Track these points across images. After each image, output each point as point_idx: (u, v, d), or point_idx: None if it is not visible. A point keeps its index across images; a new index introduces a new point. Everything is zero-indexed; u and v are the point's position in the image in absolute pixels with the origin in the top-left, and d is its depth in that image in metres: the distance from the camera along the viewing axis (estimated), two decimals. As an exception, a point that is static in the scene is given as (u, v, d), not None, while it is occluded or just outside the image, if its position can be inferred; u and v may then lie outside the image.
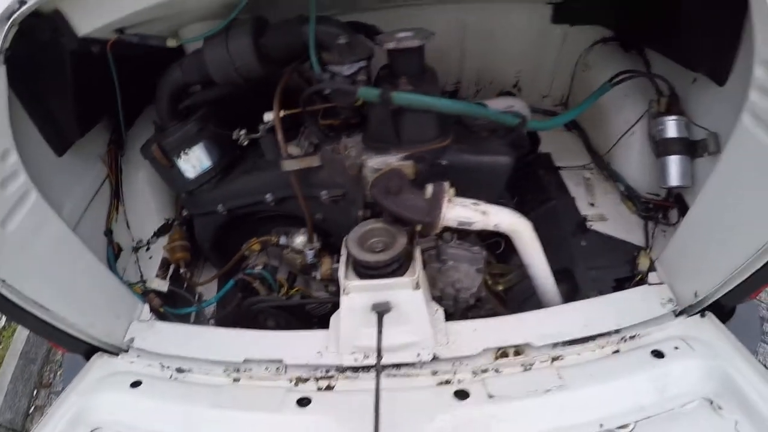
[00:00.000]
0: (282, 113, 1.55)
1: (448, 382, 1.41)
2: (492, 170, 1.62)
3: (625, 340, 1.48)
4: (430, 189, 1.43)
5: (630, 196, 1.96)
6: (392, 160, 1.56)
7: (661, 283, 1.62)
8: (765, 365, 2.57)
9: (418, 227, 1.48)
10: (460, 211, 1.42)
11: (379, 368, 1.29)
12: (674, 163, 1.74)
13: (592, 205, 2.00)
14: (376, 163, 1.57)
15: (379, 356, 1.32)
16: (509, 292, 1.94)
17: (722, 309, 1.47)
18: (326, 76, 1.50)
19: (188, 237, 1.97)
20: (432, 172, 1.58)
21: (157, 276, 1.86)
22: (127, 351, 1.63)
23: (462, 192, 1.50)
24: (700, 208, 1.50)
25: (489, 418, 1.28)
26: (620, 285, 1.74)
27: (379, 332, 1.36)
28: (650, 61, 2.02)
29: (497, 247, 1.91)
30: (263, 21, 1.58)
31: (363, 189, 1.63)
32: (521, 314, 1.58)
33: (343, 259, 1.48)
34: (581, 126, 2.36)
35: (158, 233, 2.03)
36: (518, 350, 1.47)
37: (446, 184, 1.43)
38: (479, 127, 1.65)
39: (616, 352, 1.46)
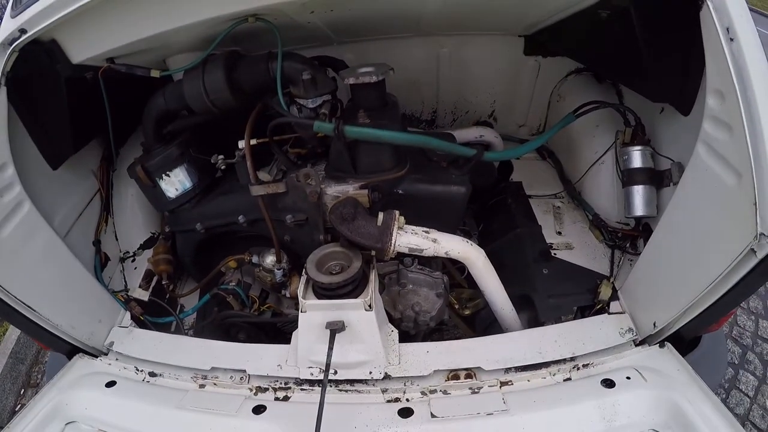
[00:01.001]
0: (254, 141, 1.66)
1: (397, 400, 1.47)
2: (447, 199, 1.68)
3: (578, 369, 1.50)
4: (381, 217, 1.51)
5: (597, 224, 1.99)
6: (349, 188, 1.64)
7: (622, 313, 1.64)
8: (747, 395, 2.53)
9: (373, 252, 1.56)
10: (410, 239, 1.50)
11: (325, 382, 1.36)
12: (638, 193, 1.78)
13: (560, 233, 2.03)
14: (334, 191, 1.66)
15: (327, 371, 1.38)
16: (477, 316, 1.99)
17: (683, 340, 1.48)
18: (293, 109, 1.60)
19: (172, 251, 2.08)
20: (389, 200, 1.66)
21: (140, 286, 1.97)
22: (106, 354, 1.74)
23: (420, 220, 1.57)
24: (658, 238, 1.52)
25: None
26: (582, 313, 1.75)
27: (330, 348, 1.42)
28: (623, 91, 2.06)
29: (464, 270, 1.97)
30: (236, 55, 1.69)
31: (323, 215, 1.71)
32: (476, 338, 1.61)
33: (302, 279, 1.56)
34: (555, 155, 2.40)
35: (144, 246, 2.14)
36: (469, 373, 1.51)
37: (396, 213, 1.50)
38: (440, 158, 1.72)
39: (568, 379, 1.48)
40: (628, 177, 1.81)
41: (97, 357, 1.73)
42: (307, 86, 1.56)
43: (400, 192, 1.66)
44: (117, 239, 2.10)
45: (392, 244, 1.47)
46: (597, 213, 2.00)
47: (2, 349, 3.07)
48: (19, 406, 2.97)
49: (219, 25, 1.56)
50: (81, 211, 1.92)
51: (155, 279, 2.04)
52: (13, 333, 3.13)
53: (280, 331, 1.91)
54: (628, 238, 1.91)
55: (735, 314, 2.82)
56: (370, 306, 1.47)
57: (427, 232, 1.52)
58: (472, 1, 1.77)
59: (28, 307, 1.50)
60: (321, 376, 1.50)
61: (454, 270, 2.01)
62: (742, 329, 2.79)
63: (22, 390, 3.05)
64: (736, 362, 2.64)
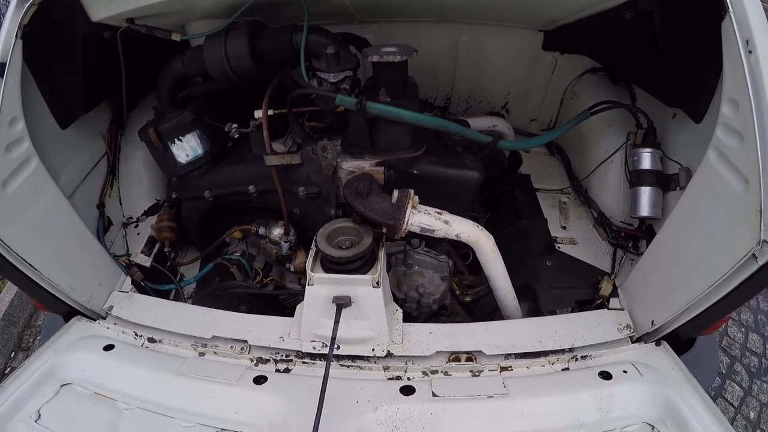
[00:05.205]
0: (271, 112, 1.64)
1: (398, 378, 1.48)
2: (460, 183, 1.69)
3: (577, 359, 1.53)
4: (396, 194, 1.51)
5: (602, 222, 2.01)
6: (365, 164, 1.65)
7: (621, 309, 1.67)
8: (732, 404, 2.58)
9: (384, 229, 1.56)
10: (423, 218, 1.50)
11: (330, 355, 1.37)
12: (645, 194, 1.80)
13: (564, 228, 2.06)
14: (350, 166, 1.67)
15: (332, 344, 1.39)
16: (476, 304, 2.01)
17: (679, 340, 1.52)
18: (313, 82, 1.60)
19: (176, 219, 2.05)
20: (403, 179, 1.66)
21: (142, 252, 1.95)
22: (104, 317, 1.72)
23: (431, 201, 1.58)
24: (662, 240, 1.54)
25: (428, 415, 1.34)
26: (581, 307, 1.78)
27: (336, 322, 1.43)
28: (636, 93, 2.08)
29: (467, 257, 1.98)
30: (260, 25, 1.68)
31: (336, 189, 1.71)
32: (478, 323, 1.63)
33: (311, 252, 1.56)
34: (564, 151, 2.42)
35: (148, 212, 2.12)
36: (470, 356, 1.53)
37: (411, 191, 1.51)
38: (455, 142, 1.73)
39: (566, 369, 1.51)
40: (636, 178, 1.83)
41: (95, 320, 1.71)
42: (330, 60, 1.56)
43: (415, 172, 1.67)
44: (121, 204, 2.08)
45: (405, 222, 1.48)
46: (602, 211, 2.03)
47: (-5, 312, 3.00)
48: (9, 369, 2.92)
49: (247, -8, 1.55)
50: (87, 173, 1.90)
51: (157, 246, 2.02)
52: (7, 295, 3.08)
53: (281, 304, 1.91)
54: (631, 238, 1.93)
55: (726, 325, 2.87)
56: (378, 283, 1.47)
57: (439, 213, 1.53)
58: None
59: (30, 265, 1.47)
60: (323, 350, 1.51)
61: (456, 256, 2.03)
62: (732, 340, 2.84)
63: (13, 353, 3.01)
64: (724, 372, 2.69)
